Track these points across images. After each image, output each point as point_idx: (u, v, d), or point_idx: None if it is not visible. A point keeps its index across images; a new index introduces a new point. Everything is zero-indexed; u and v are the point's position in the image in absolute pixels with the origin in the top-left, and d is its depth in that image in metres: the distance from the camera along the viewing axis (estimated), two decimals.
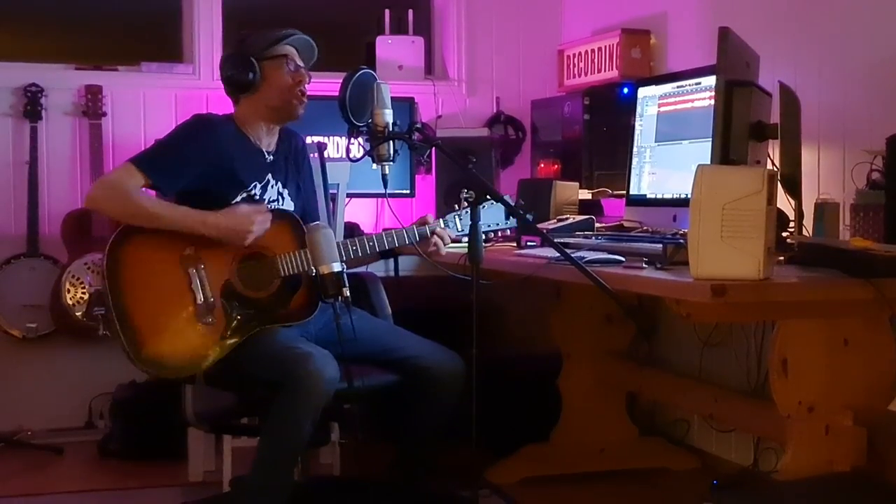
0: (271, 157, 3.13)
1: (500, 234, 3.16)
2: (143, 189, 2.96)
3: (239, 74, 3.04)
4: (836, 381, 2.55)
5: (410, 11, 4.73)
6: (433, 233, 3.09)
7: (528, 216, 3.24)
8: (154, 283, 2.89)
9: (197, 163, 2.99)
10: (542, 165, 4.40)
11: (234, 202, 3.00)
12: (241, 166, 3.05)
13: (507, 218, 3.11)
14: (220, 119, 3.12)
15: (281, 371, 2.79)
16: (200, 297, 2.90)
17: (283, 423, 2.79)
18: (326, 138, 4.11)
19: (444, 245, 3.11)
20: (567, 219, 3.44)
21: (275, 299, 2.96)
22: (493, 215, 3.06)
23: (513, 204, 2.99)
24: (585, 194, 3.94)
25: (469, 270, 2.75)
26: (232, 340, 2.90)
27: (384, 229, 3.21)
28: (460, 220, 3.10)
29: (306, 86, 3.10)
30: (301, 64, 3.09)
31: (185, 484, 3.79)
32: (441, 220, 3.11)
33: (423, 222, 3.11)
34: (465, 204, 3.06)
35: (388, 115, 2.89)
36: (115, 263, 2.87)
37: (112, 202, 2.92)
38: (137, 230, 2.90)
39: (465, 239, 3.09)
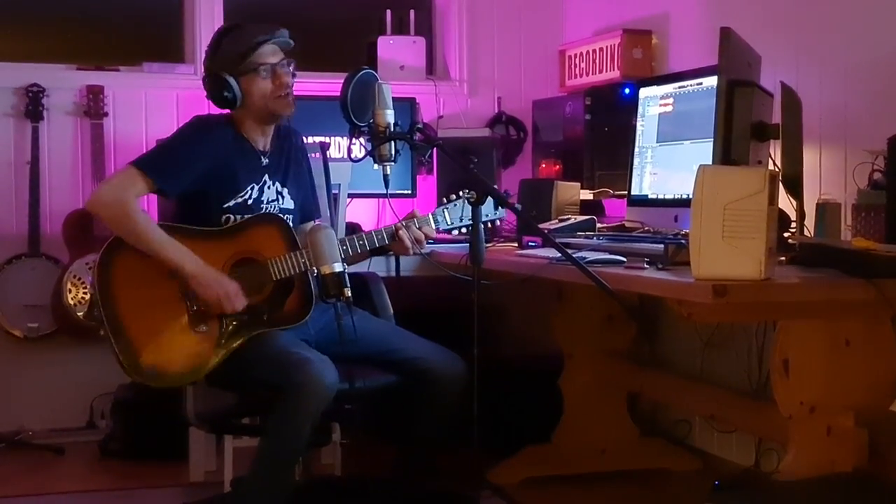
0: (267, 159, 3.11)
1: (494, 225, 3.12)
2: (146, 195, 2.97)
3: (219, 95, 3.02)
4: (837, 381, 2.55)
5: (412, 12, 4.73)
6: (396, 233, 3.01)
7: (519, 208, 3.19)
8: (146, 292, 2.88)
9: (198, 164, 2.98)
10: (544, 166, 4.39)
11: (227, 205, 3.00)
12: (239, 169, 3.04)
13: (495, 208, 3.08)
14: (219, 121, 3.11)
15: (281, 375, 2.79)
16: (193, 306, 2.90)
17: (282, 426, 2.79)
18: (328, 138, 4.11)
19: (420, 242, 3.03)
20: (568, 219, 3.43)
21: (268, 303, 2.95)
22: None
23: (516, 205, 2.98)
24: (587, 194, 3.94)
25: (470, 271, 2.76)
26: (227, 347, 2.89)
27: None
28: (448, 213, 3.06)
29: (290, 79, 3.04)
30: (276, 61, 3.02)
31: (186, 484, 3.79)
32: (430, 215, 3.07)
33: (411, 216, 3.07)
34: (454, 197, 3.05)
35: (390, 116, 2.89)
36: (107, 273, 2.87)
37: (109, 214, 2.91)
38: None
39: (455, 232, 3.08)
